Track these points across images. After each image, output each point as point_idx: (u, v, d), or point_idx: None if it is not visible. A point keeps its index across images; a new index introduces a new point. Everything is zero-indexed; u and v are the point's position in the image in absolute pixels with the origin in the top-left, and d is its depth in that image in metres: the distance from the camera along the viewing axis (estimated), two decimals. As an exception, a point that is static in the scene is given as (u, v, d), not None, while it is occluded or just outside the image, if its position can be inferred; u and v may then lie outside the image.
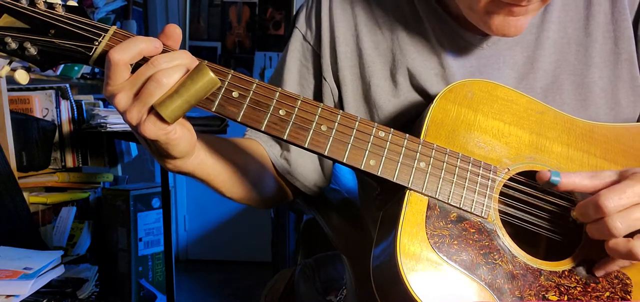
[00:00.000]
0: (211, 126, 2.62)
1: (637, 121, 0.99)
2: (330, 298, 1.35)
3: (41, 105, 2.54)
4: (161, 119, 0.74)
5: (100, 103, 2.77)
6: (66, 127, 2.59)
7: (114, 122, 2.52)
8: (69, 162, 2.63)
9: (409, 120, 0.96)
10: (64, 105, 2.58)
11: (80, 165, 2.68)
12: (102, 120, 2.52)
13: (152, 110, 0.74)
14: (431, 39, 1.00)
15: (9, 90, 2.28)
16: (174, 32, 0.81)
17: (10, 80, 2.39)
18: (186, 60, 0.77)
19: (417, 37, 1.01)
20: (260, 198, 1.07)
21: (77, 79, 2.92)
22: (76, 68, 2.87)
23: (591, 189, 0.79)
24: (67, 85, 2.59)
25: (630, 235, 0.76)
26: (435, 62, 0.99)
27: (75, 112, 2.61)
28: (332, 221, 1.23)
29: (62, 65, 2.77)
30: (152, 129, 0.75)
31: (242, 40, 4.17)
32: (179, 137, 0.78)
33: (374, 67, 1.03)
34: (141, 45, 0.77)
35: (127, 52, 0.75)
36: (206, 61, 0.76)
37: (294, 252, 3.01)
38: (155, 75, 0.74)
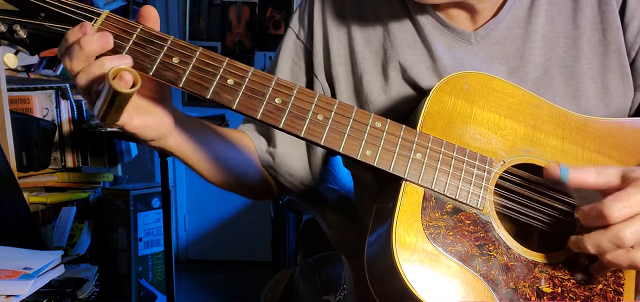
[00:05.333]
0: (211, 126, 2.62)
1: (629, 112, 1.00)
2: (329, 298, 1.35)
3: (41, 105, 2.55)
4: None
5: (100, 103, 2.77)
6: (66, 127, 2.60)
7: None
8: (69, 162, 2.64)
9: (400, 115, 0.97)
10: (64, 105, 2.59)
11: (80, 165, 2.69)
12: (102, 120, 2.53)
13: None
14: (421, 33, 1.01)
15: (9, 90, 2.28)
16: (150, 14, 0.82)
17: (11, 79, 2.40)
18: (101, 69, 0.77)
19: (407, 31, 1.02)
20: (245, 188, 1.09)
21: (77, 78, 2.92)
22: (76, 68, 2.87)
23: (596, 186, 0.79)
24: (67, 85, 2.60)
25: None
26: (426, 56, 1.01)
27: (75, 112, 2.62)
28: (330, 220, 1.23)
29: (62, 65, 2.77)
30: (108, 125, 0.79)
31: (242, 40, 4.18)
32: (138, 127, 0.81)
33: (366, 63, 1.04)
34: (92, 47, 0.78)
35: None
36: (120, 68, 0.75)
37: (294, 252, 3.01)
38: (76, 78, 0.78)
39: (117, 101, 0.74)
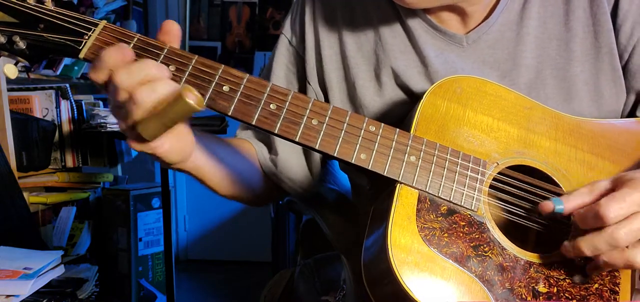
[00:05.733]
0: (211, 126, 2.63)
1: (622, 114, 1.01)
2: (329, 299, 1.36)
3: (41, 105, 2.55)
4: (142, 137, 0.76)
5: (100, 103, 2.77)
6: (66, 127, 2.60)
7: (114, 122, 2.51)
8: (69, 162, 2.63)
9: (394, 119, 0.97)
10: (64, 105, 2.59)
11: (80, 165, 2.69)
12: (102, 120, 2.53)
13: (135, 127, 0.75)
14: (413, 37, 1.01)
15: (9, 90, 2.29)
16: (172, 28, 0.82)
17: (11, 79, 2.40)
18: (167, 87, 0.76)
19: (399, 36, 1.03)
20: (250, 197, 1.10)
21: (77, 79, 2.92)
22: (76, 68, 2.88)
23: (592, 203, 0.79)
24: (67, 85, 2.60)
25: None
26: (418, 61, 1.01)
27: (75, 112, 2.62)
28: (330, 220, 1.23)
29: (62, 65, 2.78)
30: (136, 145, 0.77)
31: (242, 40, 4.18)
32: (167, 150, 0.79)
33: (358, 69, 1.04)
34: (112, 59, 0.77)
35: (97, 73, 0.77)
36: (189, 87, 0.74)
37: (294, 252, 3.01)
38: (133, 97, 0.74)
39: (178, 115, 0.74)
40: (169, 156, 0.80)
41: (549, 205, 0.80)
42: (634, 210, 0.75)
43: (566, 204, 0.80)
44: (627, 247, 0.76)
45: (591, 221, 0.77)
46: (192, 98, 0.72)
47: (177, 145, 0.81)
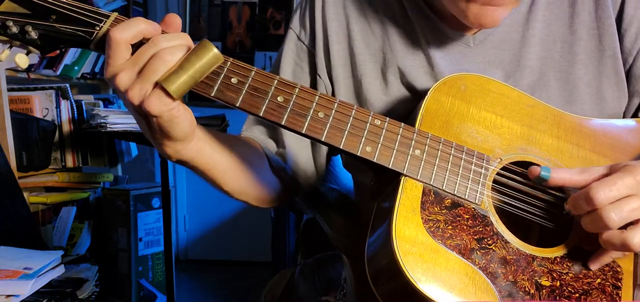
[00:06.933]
0: (211, 126, 2.62)
1: (623, 117, 1.02)
2: (329, 299, 1.36)
3: (41, 105, 2.55)
4: (166, 94, 0.75)
5: (100, 103, 2.78)
6: (66, 127, 2.60)
7: (114, 122, 2.53)
8: (69, 162, 2.64)
9: (399, 117, 0.98)
10: (64, 105, 2.59)
11: (80, 165, 2.69)
12: (102, 120, 2.53)
13: (157, 85, 0.75)
14: (420, 37, 1.02)
15: (9, 90, 2.29)
16: (174, 21, 0.82)
17: (11, 79, 2.41)
18: (186, 40, 0.78)
19: (406, 36, 1.03)
20: (259, 194, 1.07)
21: (77, 79, 2.93)
22: (76, 68, 2.88)
23: (581, 184, 0.81)
24: (67, 85, 2.60)
25: (623, 227, 0.77)
26: (424, 60, 1.02)
27: (75, 112, 2.62)
28: (331, 219, 1.23)
29: (62, 65, 2.78)
30: (157, 104, 0.75)
31: (242, 40, 4.18)
32: (182, 115, 0.78)
33: (366, 66, 1.05)
34: (141, 25, 0.78)
35: (127, 31, 0.77)
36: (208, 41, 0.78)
37: (294, 252, 3.01)
38: (159, 53, 0.75)
39: (206, 66, 0.77)
40: (182, 122, 0.79)
41: (536, 169, 0.82)
42: (626, 193, 0.76)
43: (553, 174, 0.81)
44: (625, 229, 0.77)
45: (583, 204, 0.79)
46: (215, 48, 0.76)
47: (188, 114, 0.81)
